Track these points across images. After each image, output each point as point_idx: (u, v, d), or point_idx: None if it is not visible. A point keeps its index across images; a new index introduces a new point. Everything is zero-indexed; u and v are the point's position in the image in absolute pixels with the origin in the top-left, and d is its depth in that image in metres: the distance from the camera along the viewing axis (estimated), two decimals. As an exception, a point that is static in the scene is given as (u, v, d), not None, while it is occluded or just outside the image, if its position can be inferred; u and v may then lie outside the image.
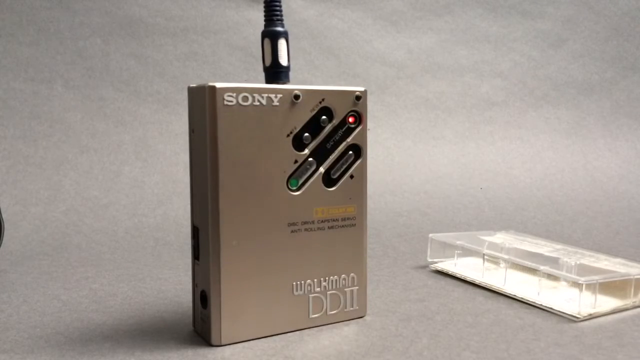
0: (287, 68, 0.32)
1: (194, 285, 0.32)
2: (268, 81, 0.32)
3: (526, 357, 0.29)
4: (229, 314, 0.30)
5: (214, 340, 0.30)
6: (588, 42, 1.00)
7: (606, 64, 1.01)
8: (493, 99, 0.93)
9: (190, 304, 0.38)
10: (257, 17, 0.81)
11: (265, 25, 0.32)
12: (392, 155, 0.78)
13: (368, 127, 0.72)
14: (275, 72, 0.32)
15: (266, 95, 0.30)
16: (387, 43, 0.88)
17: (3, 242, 0.45)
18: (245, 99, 0.30)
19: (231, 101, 0.30)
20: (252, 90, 0.30)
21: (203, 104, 0.30)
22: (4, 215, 0.45)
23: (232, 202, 0.30)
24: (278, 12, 0.32)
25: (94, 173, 0.67)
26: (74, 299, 0.38)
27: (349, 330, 0.33)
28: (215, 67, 0.78)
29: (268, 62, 0.32)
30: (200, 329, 0.32)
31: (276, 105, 0.31)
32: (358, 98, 0.34)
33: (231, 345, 0.31)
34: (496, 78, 0.94)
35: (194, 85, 0.31)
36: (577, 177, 0.87)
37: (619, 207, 0.74)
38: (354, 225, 0.34)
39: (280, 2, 0.32)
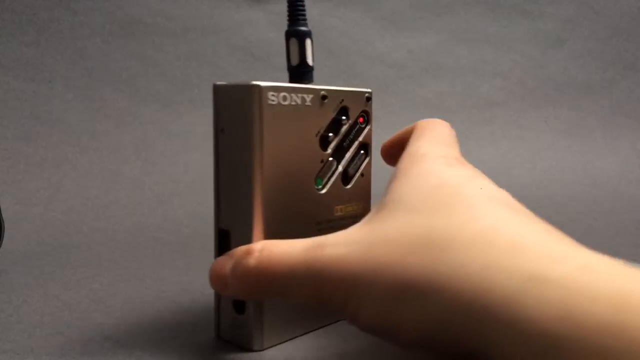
0: (313, 68, 0.33)
1: None
2: (292, 81, 0.32)
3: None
4: (269, 317, 0.30)
5: (255, 345, 0.30)
6: (588, 42, 1.00)
7: (606, 64, 1.01)
8: (493, 99, 0.93)
9: (199, 308, 0.38)
10: (257, 17, 0.81)
11: (291, 25, 0.32)
12: (392, 155, 0.78)
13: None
14: (302, 72, 0.32)
15: (301, 95, 0.31)
16: (387, 43, 0.88)
17: (3, 242, 0.45)
18: (284, 98, 0.30)
19: (274, 100, 0.29)
20: (290, 90, 0.30)
21: (243, 102, 0.29)
22: (4, 215, 0.45)
23: (269, 203, 0.30)
24: (303, 12, 0.32)
25: (94, 173, 0.67)
26: (74, 299, 0.38)
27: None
28: (215, 67, 0.78)
29: (295, 61, 0.32)
30: (232, 335, 0.31)
31: (308, 105, 0.31)
32: (368, 99, 0.35)
33: (271, 348, 0.31)
34: (496, 78, 0.94)
35: (222, 83, 0.30)
36: (577, 177, 0.87)
37: (619, 207, 0.74)
38: None
39: (304, 1, 0.32)
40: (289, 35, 0.32)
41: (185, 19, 0.77)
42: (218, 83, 0.30)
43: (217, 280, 0.28)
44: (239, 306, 0.31)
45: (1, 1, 0.70)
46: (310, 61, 0.32)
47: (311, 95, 0.31)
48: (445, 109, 0.89)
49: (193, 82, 0.76)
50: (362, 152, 0.34)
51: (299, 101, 0.30)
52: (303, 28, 0.32)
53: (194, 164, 0.70)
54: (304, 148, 0.31)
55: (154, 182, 0.68)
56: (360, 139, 0.34)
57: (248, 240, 0.29)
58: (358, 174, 0.34)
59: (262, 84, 0.29)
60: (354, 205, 0.34)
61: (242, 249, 0.28)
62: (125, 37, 0.74)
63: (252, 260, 0.26)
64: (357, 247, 0.24)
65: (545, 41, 0.98)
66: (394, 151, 0.33)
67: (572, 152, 0.93)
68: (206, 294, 0.39)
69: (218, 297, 0.31)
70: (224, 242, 0.30)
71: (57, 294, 0.39)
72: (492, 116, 0.92)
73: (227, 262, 0.28)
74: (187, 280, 0.43)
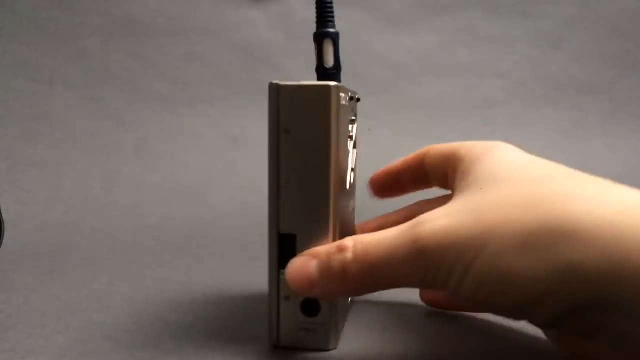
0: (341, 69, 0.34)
1: (278, 297, 0.30)
2: (322, 81, 0.33)
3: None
4: (340, 316, 0.31)
5: (332, 345, 0.30)
6: (588, 42, 1.00)
7: (606, 64, 1.01)
8: (493, 99, 0.93)
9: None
10: (257, 17, 0.81)
11: (323, 26, 0.32)
12: (392, 156, 0.78)
13: (368, 128, 0.72)
14: (335, 74, 0.33)
15: (344, 95, 0.31)
16: (387, 43, 0.88)
17: (3, 242, 0.45)
18: (344, 98, 0.30)
19: (342, 101, 0.30)
20: (344, 91, 0.31)
21: (317, 103, 0.29)
22: (4, 215, 0.44)
23: (336, 204, 0.30)
24: (333, 13, 0.32)
25: (94, 173, 0.67)
26: (74, 299, 0.38)
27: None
28: (215, 67, 0.78)
29: (330, 63, 0.32)
30: (298, 340, 0.31)
31: (346, 105, 0.31)
32: (358, 100, 0.36)
33: (341, 345, 0.31)
34: (496, 78, 0.94)
35: (285, 83, 0.29)
36: (577, 177, 0.87)
37: (619, 207, 0.74)
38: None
39: (332, 2, 0.32)
40: (324, 36, 0.32)
41: (185, 19, 0.77)
42: (280, 83, 0.29)
43: (301, 281, 0.28)
44: (312, 308, 0.30)
45: (1, 1, 0.70)
46: (339, 63, 0.33)
47: (346, 96, 0.31)
48: (445, 109, 0.89)
49: (193, 82, 0.76)
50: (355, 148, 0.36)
51: (346, 102, 0.31)
52: (335, 30, 0.32)
53: (194, 164, 0.70)
54: (345, 147, 0.32)
55: (154, 182, 0.68)
56: (354, 134, 0.35)
57: (321, 242, 0.29)
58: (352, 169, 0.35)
59: (332, 84, 0.29)
60: (354, 198, 0.35)
61: (330, 246, 0.28)
62: (125, 37, 0.74)
63: (349, 255, 0.26)
64: (463, 215, 0.25)
65: (545, 41, 0.98)
66: (387, 181, 0.33)
67: (572, 152, 0.93)
68: (207, 294, 0.39)
69: (277, 305, 0.30)
70: (289, 246, 0.30)
71: (57, 294, 0.39)
72: (492, 116, 0.92)
73: (309, 263, 0.28)
74: (187, 280, 0.43)
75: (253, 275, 0.44)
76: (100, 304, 0.37)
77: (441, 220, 0.25)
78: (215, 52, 0.78)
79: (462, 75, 0.91)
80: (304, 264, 0.28)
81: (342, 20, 0.97)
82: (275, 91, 0.29)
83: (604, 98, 1.00)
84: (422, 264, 0.25)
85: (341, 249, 0.27)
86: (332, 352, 0.31)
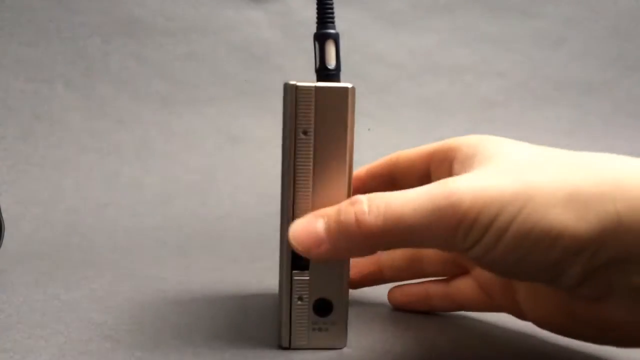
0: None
1: (291, 298, 0.30)
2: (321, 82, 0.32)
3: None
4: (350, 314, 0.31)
5: (343, 343, 0.31)
6: (588, 42, 1.00)
7: (606, 64, 1.01)
8: (493, 99, 0.93)
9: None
10: (257, 17, 0.81)
11: (324, 27, 0.32)
12: (392, 155, 0.78)
13: (368, 128, 0.72)
14: (336, 74, 0.32)
15: None
16: (387, 43, 0.88)
17: (3, 242, 0.45)
18: None
19: (355, 101, 0.30)
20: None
21: (338, 104, 0.29)
22: (4, 215, 0.44)
23: None
24: (334, 13, 0.32)
25: (94, 173, 0.67)
26: (74, 299, 0.38)
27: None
28: (215, 67, 0.78)
29: (332, 63, 0.32)
30: (311, 340, 0.31)
31: None
32: None
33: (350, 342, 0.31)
34: (496, 78, 0.94)
35: (301, 83, 0.29)
36: (577, 177, 0.87)
37: (619, 207, 0.74)
38: None
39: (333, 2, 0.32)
40: (326, 37, 0.32)
41: (185, 19, 0.77)
42: (297, 83, 0.29)
43: (308, 238, 0.26)
44: (325, 308, 0.30)
45: (1, 1, 0.70)
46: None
47: None
48: (445, 109, 0.89)
49: (193, 82, 0.76)
50: None
51: None
52: (335, 30, 0.32)
53: (194, 164, 0.70)
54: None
55: (154, 182, 0.68)
56: None
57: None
58: None
59: (350, 85, 0.29)
60: None
61: (339, 206, 0.26)
62: (125, 37, 0.74)
63: (364, 207, 0.25)
64: (498, 175, 0.24)
65: (545, 41, 0.97)
66: (368, 181, 0.33)
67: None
68: (206, 294, 0.39)
69: (290, 307, 0.30)
70: None
71: (57, 294, 0.39)
72: (492, 116, 0.92)
73: (314, 221, 0.27)
74: (187, 280, 0.43)
75: (253, 275, 0.44)
76: (100, 304, 0.37)
77: (476, 178, 0.24)
78: (215, 52, 0.78)
79: (462, 75, 0.91)
80: (309, 222, 0.27)
81: (342, 20, 0.97)
82: (293, 92, 0.29)
83: (604, 98, 1.00)
84: (455, 220, 0.24)
85: (354, 202, 0.26)
86: (343, 350, 0.31)
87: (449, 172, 0.30)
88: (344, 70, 0.33)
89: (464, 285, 0.34)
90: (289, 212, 0.29)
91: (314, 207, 0.29)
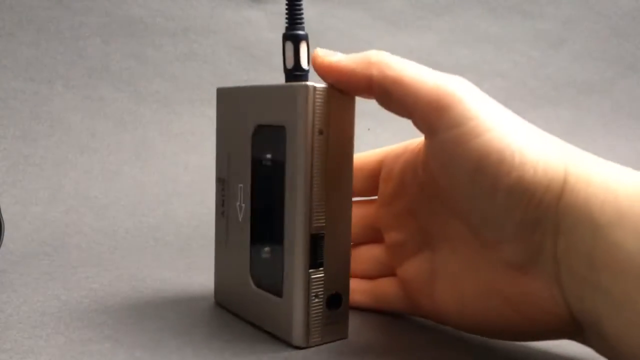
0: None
1: (309, 296, 0.30)
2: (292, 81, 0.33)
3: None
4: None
5: (346, 334, 0.32)
6: (588, 42, 1.00)
7: (606, 64, 1.01)
8: (493, 99, 0.93)
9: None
10: (257, 17, 0.81)
11: (296, 28, 0.33)
12: (392, 155, 0.78)
13: (368, 127, 0.72)
14: (305, 75, 0.33)
15: None
16: (387, 43, 0.88)
17: (3, 242, 0.45)
18: None
19: None
20: None
21: (345, 105, 0.31)
22: (4, 215, 0.44)
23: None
24: (302, 14, 0.33)
25: (94, 173, 0.67)
26: (74, 299, 0.38)
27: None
28: (215, 67, 0.78)
29: (306, 65, 0.33)
30: (324, 335, 0.31)
31: None
32: None
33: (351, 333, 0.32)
34: (496, 78, 0.94)
35: (313, 84, 0.30)
36: (577, 177, 0.87)
37: (619, 207, 0.74)
38: None
39: (302, 4, 0.33)
40: (298, 38, 0.33)
41: (185, 19, 0.77)
42: (316, 85, 0.30)
43: (330, 55, 0.31)
44: (336, 301, 0.31)
45: (1, 1, 0.70)
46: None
47: None
48: (445, 109, 0.89)
49: (193, 82, 0.76)
50: None
51: None
52: (303, 32, 0.33)
53: (194, 164, 0.70)
54: None
55: (154, 182, 0.68)
56: None
57: (345, 241, 0.31)
58: None
59: None
60: None
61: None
62: (125, 37, 0.74)
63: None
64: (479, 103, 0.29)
65: (545, 41, 0.98)
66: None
67: (572, 152, 0.93)
68: (207, 295, 0.39)
69: (307, 305, 0.30)
70: (318, 246, 0.30)
71: (57, 294, 0.39)
72: (492, 116, 0.92)
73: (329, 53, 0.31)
74: (187, 280, 0.43)
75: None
76: (100, 304, 0.37)
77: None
78: (215, 52, 0.78)
79: (462, 75, 0.91)
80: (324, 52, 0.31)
81: (342, 20, 0.98)
82: (312, 92, 0.30)
83: (604, 98, 1.00)
84: (446, 101, 0.27)
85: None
86: (350, 339, 0.32)
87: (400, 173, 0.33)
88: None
89: (387, 285, 0.35)
90: (309, 211, 0.30)
91: (324, 205, 0.30)
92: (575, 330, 0.26)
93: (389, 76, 0.28)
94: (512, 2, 0.95)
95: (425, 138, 0.29)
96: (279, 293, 0.31)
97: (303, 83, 0.30)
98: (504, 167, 0.25)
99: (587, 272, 0.24)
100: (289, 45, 0.33)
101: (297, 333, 0.30)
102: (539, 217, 0.25)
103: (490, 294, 0.28)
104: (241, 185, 0.34)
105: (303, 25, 0.33)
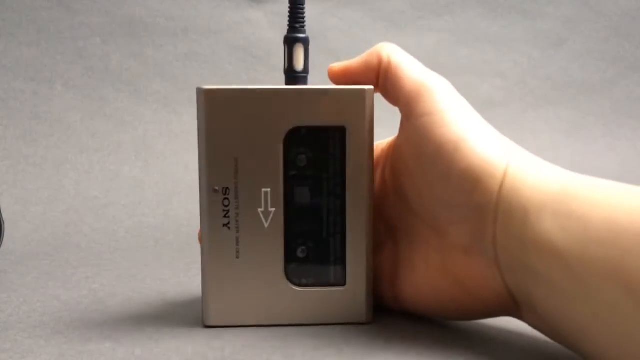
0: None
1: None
2: (290, 84, 0.34)
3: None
4: None
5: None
6: (588, 42, 1.00)
7: (606, 64, 1.01)
8: (493, 99, 0.93)
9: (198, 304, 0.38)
10: (257, 17, 0.81)
11: (299, 31, 0.33)
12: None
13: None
14: (302, 77, 0.34)
15: None
16: (387, 43, 0.88)
17: (3, 242, 0.45)
18: None
19: None
20: None
21: (364, 103, 0.33)
22: (4, 215, 0.45)
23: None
24: (304, 17, 0.33)
25: (94, 173, 0.67)
26: (74, 299, 0.38)
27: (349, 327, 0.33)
28: (215, 67, 0.78)
29: (300, 67, 0.34)
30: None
31: None
32: None
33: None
34: (496, 78, 0.94)
35: (342, 87, 0.33)
36: (577, 177, 0.87)
37: (619, 207, 0.74)
38: None
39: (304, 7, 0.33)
40: (299, 41, 0.33)
41: (185, 19, 0.77)
42: (367, 87, 0.33)
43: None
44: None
45: (1, 1, 0.70)
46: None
47: None
48: (445, 109, 0.89)
49: (193, 82, 0.76)
50: None
51: None
52: (303, 35, 0.33)
53: (194, 164, 0.70)
54: None
55: (154, 182, 0.68)
56: None
57: (365, 240, 0.33)
58: None
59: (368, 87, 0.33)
60: None
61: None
62: (125, 37, 0.74)
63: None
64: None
65: (545, 41, 0.98)
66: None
67: (572, 152, 0.93)
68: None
69: (371, 287, 0.33)
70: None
71: (57, 294, 0.39)
72: (492, 116, 0.91)
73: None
74: (187, 280, 0.43)
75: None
76: (100, 304, 0.37)
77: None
78: (215, 52, 0.78)
79: (462, 75, 0.91)
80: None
81: (342, 20, 0.97)
82: (371, 94, 0.33)
83: (604, 98, 1.00)
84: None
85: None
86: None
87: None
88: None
89: None
90: (372, 202, 0.33)
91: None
92: (514, 307, 0.29)
93: (394, 59, 0.32)
94: (512, 2, 0.95)
95: (405, 122, 0.33)
96: (339, 283, 0.33)
97: (361, 87, 0.32)
98: (458, 154, 0.29)
99: (518, 254, 0.27)
100: (290, 48, 0.33)
101: (367, 311, 0.33)
102: (484, 202, 0.28)
103: (443, 278, 0.31)
104: (266, 190, 0.32)
105: (305, 28, 0.33)
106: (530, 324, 0.29)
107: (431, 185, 0.31)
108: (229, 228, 0.33)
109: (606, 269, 0.24)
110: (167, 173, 0.70)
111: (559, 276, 0.25)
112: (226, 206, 0.33)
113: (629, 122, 1.00)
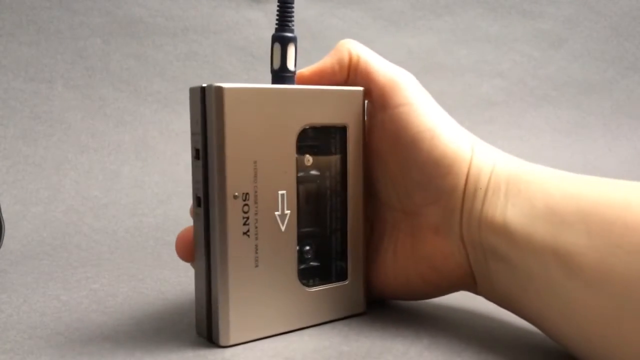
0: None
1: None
2: (276, 83, 0.33)
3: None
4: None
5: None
6: (588, 42, 1.00)
7: (606, 64, 1.01)
8: (493, 99, 0.93)
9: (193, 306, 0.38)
10: (257, 17, 0.81)
11: (286, 30, 0.33)
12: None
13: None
14: (292, 76, 0.33)
15: None
16: (387, 43, 0.88)
17: (3, 242, 0.45)
18: None
19: None
20: None
21: (360, 102, 0.34)
22: (4, 215, 0.45)
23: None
24: (293, 17, 0.33)
25: (94, 173, 0.67)
26: (74, 299, 0.38)
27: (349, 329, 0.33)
28: (215, 67, 0.78)
29: (293, 66, 0.33)
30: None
31: None
32: None
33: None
34: (496, 78, 0.94)
35: (350, 88, 0.34)
36: (577, 177, 0.87)
37: (619, 207, 0.74)
38: None
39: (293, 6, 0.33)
40: (289, 40, 0.33)
41: (185, 19, 0.77)
42: (343, 89, 0.33)
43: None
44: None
45: (1, 1, 0.70)
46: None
47: None
48: (445, 109, 0.89)
49: (193, 82, 0.76)
50: None
51: None
52: (291, 34, 0.33)
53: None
54: None
55: (154, 182, 0.68)
56: None
57: (360, 235, 0.34)
58: None
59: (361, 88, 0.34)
60: None
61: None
62: (125, 37, 0.74)
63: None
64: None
65: (545, 41, 0.98)
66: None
67: (572, 152, 0.93)
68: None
69: (366, 277, 0.35)
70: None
71: (57, 294, 0.39)
72: (492, 116, 0.92)
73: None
74: (188, 280, 0.43)
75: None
76: (100, 304, 0.37)
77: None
78: (215, 52, 0.78)
79: (462, 75, 0.91)
80: None
81: (342, 20, 0.97)
82: (347, 94, 0.33)
83: (604, 98, 1.00)
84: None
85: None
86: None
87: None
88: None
89: None
90: (366, 197, 0.34)
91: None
92: (472, 281, 0.32)
93: (363, 56, 0.34)
94: (512, 2, 0.95)
95: (378, 112, 0.34)
96: (341, 278, 0.34)
97: (358, 88, 0.34)
98: (434, 140, 0.32)
99: (477, 230, 0.30)
100: (277, 47, 0.32)
101: (364, 301, 0.35)
102: (455, 184, 0.31)
103: (412, 257, 0.34)
104: (282, 192, 0.31)
105: (292, 27, 0.33)
106: (486, 298, 0.32)
107: (408, 169, 0.33)
108: (248, 236, 0.30)
109: (544, 242, 0.27)
110: (167, 173, 0.70)
111: (507, 250, 0.29)
112: (246, 212, 0.30)
113: (629, 122, 1.00)
